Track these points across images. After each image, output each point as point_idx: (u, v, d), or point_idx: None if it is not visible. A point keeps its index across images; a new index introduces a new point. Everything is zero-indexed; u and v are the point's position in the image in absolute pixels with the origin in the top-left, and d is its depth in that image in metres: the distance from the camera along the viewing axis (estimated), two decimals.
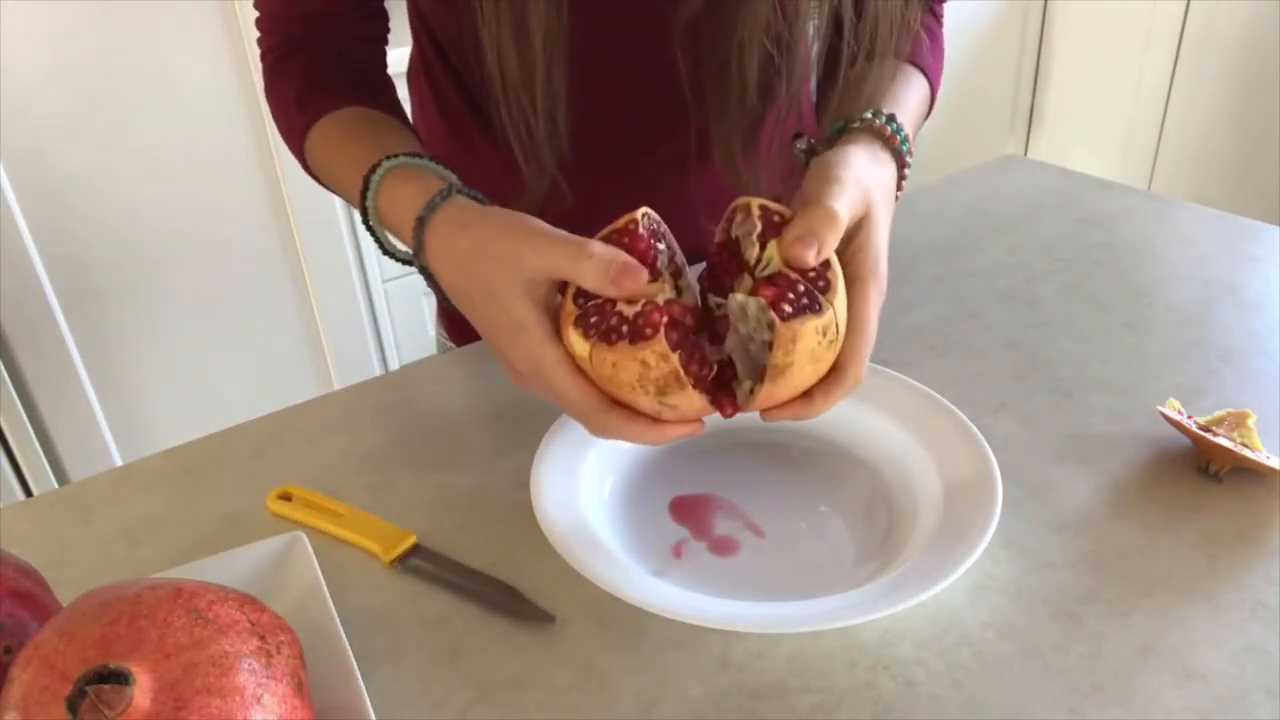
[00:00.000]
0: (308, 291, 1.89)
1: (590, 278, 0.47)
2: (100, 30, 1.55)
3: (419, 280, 1.95)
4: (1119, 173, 2.59)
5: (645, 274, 0.47)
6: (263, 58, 0.74)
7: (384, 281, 1.94)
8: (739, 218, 0.51)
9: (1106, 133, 2.61)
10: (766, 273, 0.49)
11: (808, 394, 0.49)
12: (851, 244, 0.52)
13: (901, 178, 0.59)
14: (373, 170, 0.59)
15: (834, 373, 0.49)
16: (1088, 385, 0.68)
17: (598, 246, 0.48)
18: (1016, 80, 2.73)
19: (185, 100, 1.65)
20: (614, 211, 0.51)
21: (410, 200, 0.56)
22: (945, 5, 0.79)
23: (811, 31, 0.64)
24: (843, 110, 0.63)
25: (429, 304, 1.95)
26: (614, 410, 0.49)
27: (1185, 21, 2.34)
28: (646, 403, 0.47)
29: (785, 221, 0.49)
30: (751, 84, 0.63)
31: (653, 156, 0.78)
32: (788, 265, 0.48)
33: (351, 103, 0.68)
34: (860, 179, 0.52)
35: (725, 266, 0.52)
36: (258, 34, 0.74)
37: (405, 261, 0.60)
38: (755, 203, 0.50)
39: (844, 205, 0.50)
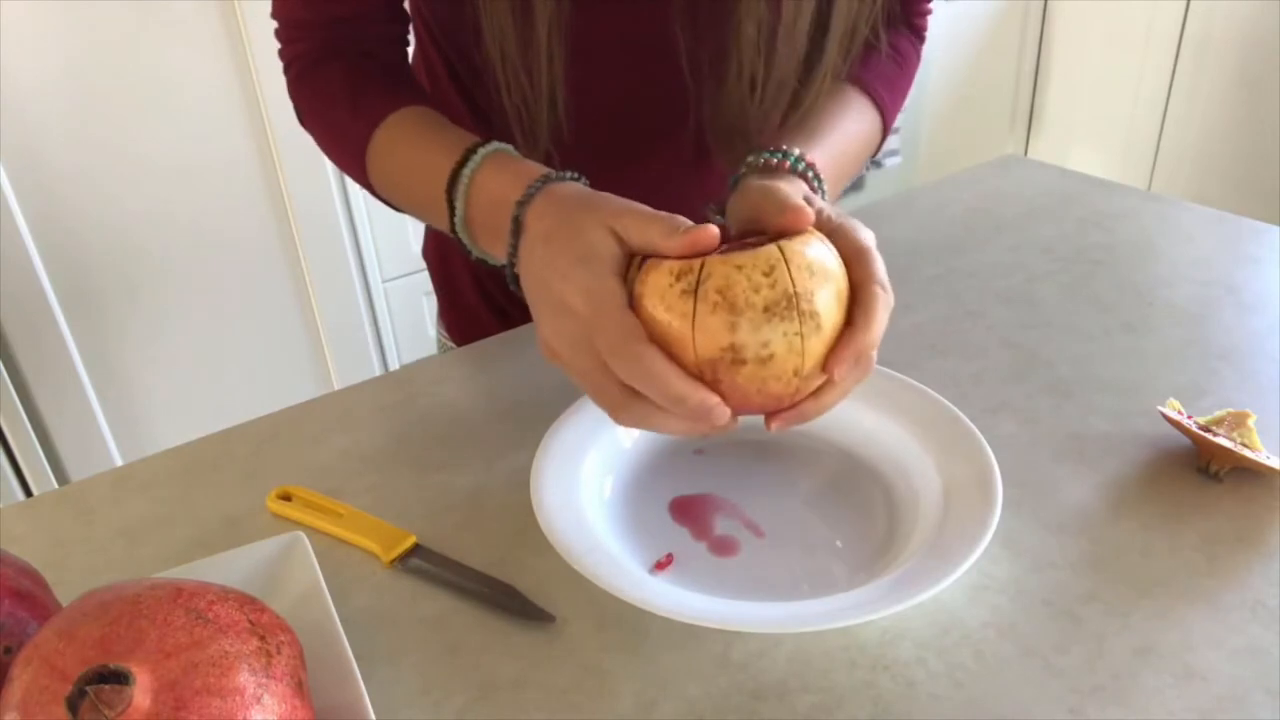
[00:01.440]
0: (308, 291, 1.89)
1: (663, 232, 0.48)
2: (100, 30, 1.55)
3: (419, 280, 1.96)
4: (1119, 173, 2.59)
5: (715, 235, 0.47)
6: (286, 68, 0.71)
7: (384, 282, 1.94)
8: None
9: (1106, 133, 2.61)
10: None
11: (848, 326, 0.48)
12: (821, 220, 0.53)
13: None
14: (478, 146, 0.59)
15: (852, 290, 0.49)
16: (1088, 385, 0.68)
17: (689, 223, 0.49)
18: (1016, 80, 2.73)
19: (185, 100, 1.65)
20: None
21: (528, 170, 0.56)
22: (933, 16, 0.79)
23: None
24: (783, 136, 0.64)
25: (429, 304, 1.95)
26: (655, 349, 0.47)
27: (1185, 21, 2.34)
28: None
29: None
30: (748, 61, 0.64)
31: (656, 155, 0.78)
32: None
33: (410, 103, 0.67)
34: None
35: None
36: (277, 44, 0.71)
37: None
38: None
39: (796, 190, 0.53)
